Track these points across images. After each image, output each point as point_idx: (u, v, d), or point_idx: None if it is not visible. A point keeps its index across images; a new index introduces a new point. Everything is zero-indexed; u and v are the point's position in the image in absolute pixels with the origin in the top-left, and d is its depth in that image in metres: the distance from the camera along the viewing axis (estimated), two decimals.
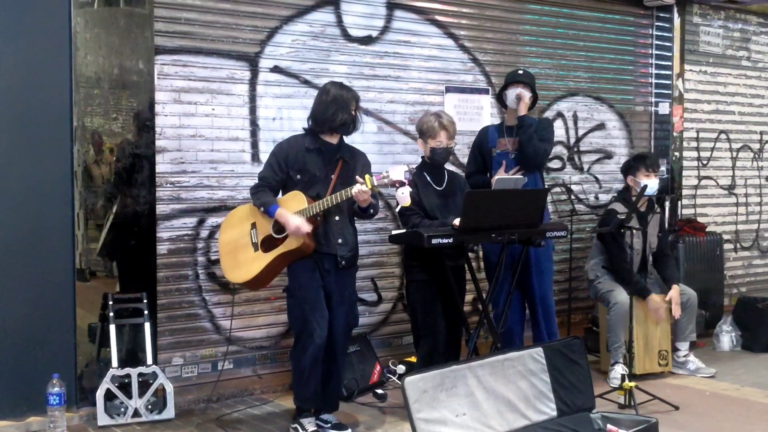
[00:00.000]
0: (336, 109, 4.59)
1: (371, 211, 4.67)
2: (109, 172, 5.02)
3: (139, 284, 5.09)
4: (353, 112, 4.66)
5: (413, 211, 5.03)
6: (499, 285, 5.22)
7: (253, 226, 4.67)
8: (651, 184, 5.92)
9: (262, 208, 4.58)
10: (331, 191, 4.56)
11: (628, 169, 6.25)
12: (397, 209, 4.97)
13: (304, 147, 4.65)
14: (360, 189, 4.41)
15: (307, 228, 4.46)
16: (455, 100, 6.44)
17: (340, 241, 4.62)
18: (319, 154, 4.64)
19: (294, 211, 4.49)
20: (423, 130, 5.18)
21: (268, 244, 4.61)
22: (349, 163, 4.69)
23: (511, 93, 5.57)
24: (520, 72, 5.68)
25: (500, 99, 5.74)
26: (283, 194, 4.65)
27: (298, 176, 4.62)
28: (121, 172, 5.04)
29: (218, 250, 4.89)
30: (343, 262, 4.64)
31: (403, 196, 4.47)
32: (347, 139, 4.79)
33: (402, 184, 4.42)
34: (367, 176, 4.45)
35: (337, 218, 4.62)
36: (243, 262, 4.67)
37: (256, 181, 4.69)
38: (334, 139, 4.69)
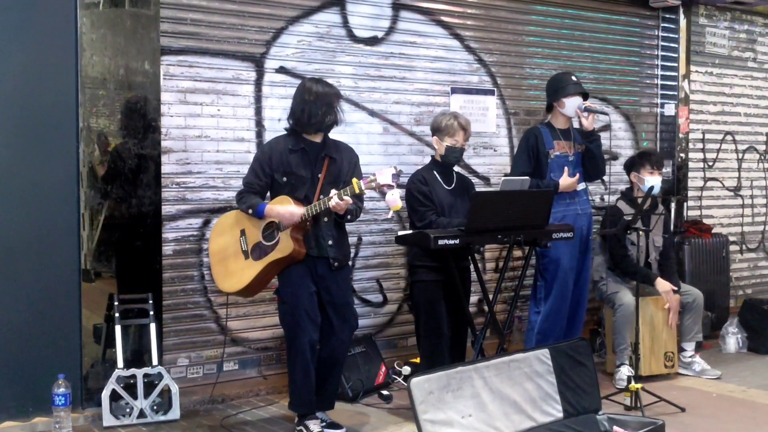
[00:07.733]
0: (325, 110, 4.50)
1: (348, 217, 4.55)
2: (114, 173, 5.02)
3: (144, 285, 5.09)
4: (336, 109, 4.57)
5: (428, 207, 5.02)
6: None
7: (243, 233, 4.59)
8: (654, 182, 5.89)
9: (250, 211, 4.49)
10: (320, 192, 4.48)
11: (632, 165, 6.17)
12: (389, 215, 4.80)
13: (287, 148, 4.54)
14: (336, 202, 4.29)
15: (299, 212, 4.36)
16: (461, 101, 6.43)
17: (330, 242, 4.55)
18: (303, 154, 4.54)
19: None
20: (440, 127, 5.17)
21: (258, 251, 4.53)
22: (336, 160, 4.59)
23: (573, 102, 5.48)
24: (574, 78, 5.55)
25: (549, 104, 5.61)
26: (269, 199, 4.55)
27: (284, 179, 4.51)
28: (126, 173, 5.04)
29: (209, 259, 4.79)
30: (336, 264, 4.57)
31: (393, 199, 4.29)
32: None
33: (390, 187, 4.24)
34: (354, 180, 4.31)
35: (326, 219, 4.54)
36: (234, 271, 4.59)
37: (241, 188, 4.63)
38: (317, 138, 4.59)
